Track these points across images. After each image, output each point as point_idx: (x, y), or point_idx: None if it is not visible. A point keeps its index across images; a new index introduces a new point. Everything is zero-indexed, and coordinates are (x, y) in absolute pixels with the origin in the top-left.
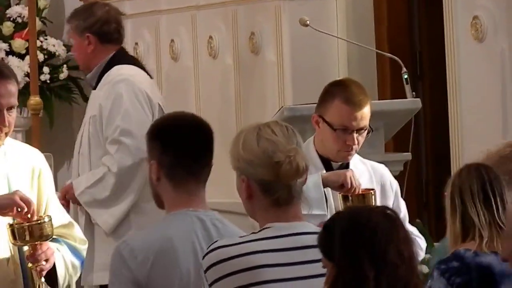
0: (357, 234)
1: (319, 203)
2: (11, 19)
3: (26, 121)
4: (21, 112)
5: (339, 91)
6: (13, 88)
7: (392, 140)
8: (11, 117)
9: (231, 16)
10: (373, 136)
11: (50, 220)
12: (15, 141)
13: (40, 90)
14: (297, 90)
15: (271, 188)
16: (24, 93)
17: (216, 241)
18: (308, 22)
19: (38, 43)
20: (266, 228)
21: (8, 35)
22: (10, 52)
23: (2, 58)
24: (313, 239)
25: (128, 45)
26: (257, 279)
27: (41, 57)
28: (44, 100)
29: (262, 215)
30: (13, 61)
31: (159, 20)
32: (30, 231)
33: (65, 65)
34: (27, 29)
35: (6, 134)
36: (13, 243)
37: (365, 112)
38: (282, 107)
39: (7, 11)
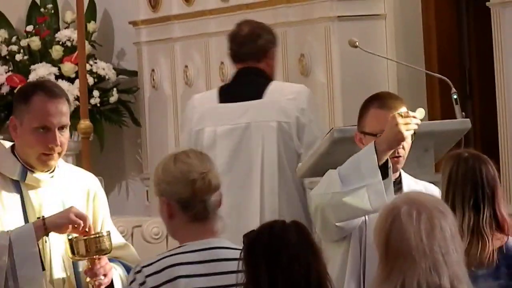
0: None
1: (372, 171)
2: (60, 43)
3: (76, 145)
4: (71, 136)
5: (372, 100)
6: (63, 107)
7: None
8: (64, 137)
9: (281, 37)
10: (423, 156)
11: (109, 235)
12: (69, 164)
13: (90, 113)
14: (347, 111)
15: (189, 205)
16: (74, 117)
17: (138, 265)
18: (357, 43)
19: (88, 67)
20: (184, 245)
21: (58, 59)
22: (60, 76)
23: None
24: (226, 253)
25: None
26: None
27: (90, 80)
28: (94, 124)
29: (182, 232)
30: (62, 85)
31: (208, 42)
32: (88, 245)
33: (115, 89)
34: (76, 52)
35: (60, 155)
36: (71, 258)
37: None
38: (332, 128)
39: (56, 35)
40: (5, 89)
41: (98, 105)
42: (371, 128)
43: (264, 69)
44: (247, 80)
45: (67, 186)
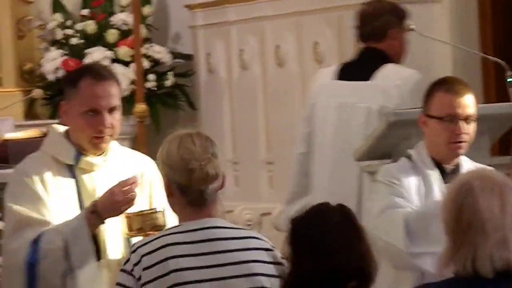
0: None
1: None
2: (116, 26)
3: (132, 129)
4: (127, 120)
5: (439, 84)
6: (112, 89)
7: (498, 144)
8: (115, 119)
9: (337, 21)
10: (478, 140)
11: (163, 211)
12: (123, 147)
13: (145, 97)
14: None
15: (186, 191)
16: (129, 101)
17: (134, 244)
18: (412, 26)
19: (143, 51)
20: (180, 225)
21: (113, 43)
22: (115, 60)
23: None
24: (222, 232)
25: (234, 51)
26: (169, 269)
27: (146, 64)
28: (150, 108)
29: (180, 211)
30: (118, 68)
31: (263, 26)
32: (144, 221)
33: (170, 72)
34: (131, 36)
35: (111, 137)
36: (127, 234)
37: (469, 100)
38: (387, 112)
39: (111, 19)
40: (61, 73)
41: (154, 89)
42: (436, 112)
43: (386, 50)
44: (363, 60)
45: (121, 169)
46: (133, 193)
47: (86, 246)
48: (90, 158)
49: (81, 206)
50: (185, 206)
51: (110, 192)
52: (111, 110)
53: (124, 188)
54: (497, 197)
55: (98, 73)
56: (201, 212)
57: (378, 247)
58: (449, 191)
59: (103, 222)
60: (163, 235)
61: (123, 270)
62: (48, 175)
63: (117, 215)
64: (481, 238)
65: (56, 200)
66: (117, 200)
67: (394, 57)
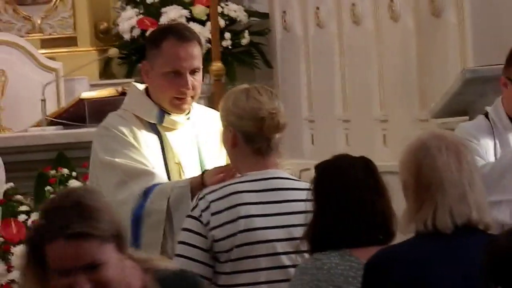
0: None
1: None
2: None
3: (209, 88)
4: (203, 79)
5: None
6: (195, 50)
7: None
8: (196, 80)
9: None
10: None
11: None
12: (203, 106)
13: (221, 56)
14: (478, 51)
15: (253, 139)
16: (206, 60)
17: (201, 192)
18: None
19: (219, 9)
20: (245, 175)
21: (189, 1)
22: (191, 19)
23: None
24: (285, 183)
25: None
26: (238, 215)
27: (222, 23)
28: (226, 66)
29: (243, 161)
30: (194, 27)
31: None
32: None
33: (246, 31)
34: None
35: (193, 98)
36: None
37: None
38: (463, 69)
39: None
40: (136, 32)
41: (230, 47)
42: None
43: None
44: None
45: (203, 127)
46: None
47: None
48: (174, 117)
49: (165, 163)
50: (249, 156)
51: (218, 169)
52: (193, 71)
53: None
54: (453, 155)
55: (182, 34)
56: (265, 162)
57: None
58: (407, 152)
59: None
60: (230, 184)
61: (190, 216)
62: (136, 131)
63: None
64: (441, 195)
65: (147, 153)
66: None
67: None
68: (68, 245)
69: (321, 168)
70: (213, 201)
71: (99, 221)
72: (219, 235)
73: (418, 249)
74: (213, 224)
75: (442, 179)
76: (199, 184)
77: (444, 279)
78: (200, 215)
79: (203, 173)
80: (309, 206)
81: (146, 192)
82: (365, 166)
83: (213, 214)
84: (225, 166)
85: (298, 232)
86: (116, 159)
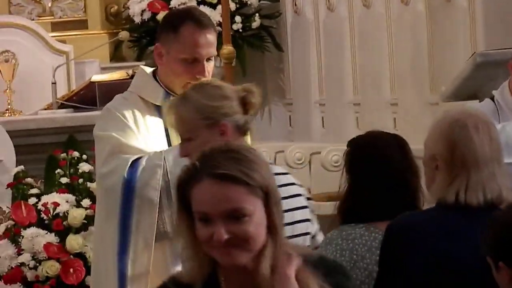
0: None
1: None
2: None
3: (219, 70)
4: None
5: None
6: (211, 37)
7: None
8: (210, 66)
9: None
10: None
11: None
12: None
13: (232, 39)
14: (489, 35)
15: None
16: (216, 43)
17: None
18: None
19: None
20: None
21: None
22: (202, 2)
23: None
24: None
25: None
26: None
27: (232, 6)
28: (237, 49)
29: None
30: (204, 10)
31: None
32: None
33: (257, 14)
34: None
35: None
36: None
37: None
38: (474, 53)
39: None
40: (147, 15)
41: (240, 30)
42: None
43: None
44: None
45: None
46: None
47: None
48: None
49: (169, 145)
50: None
51: None
52: (209, 58)
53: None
54: (486, 134)
55: (200, 20)
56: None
57: None
58: (439, 127)
59: None
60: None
61: None
62: (137, 114)
63: None
64: (474, 172)
65: (147, 137)
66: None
67: None
68: (215, 185)
69: (356, 145)
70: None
71: (251, 169)
72: None
73: (440, 220)
74: None
75: (477, 155)
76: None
77: (465, 252)
78: None
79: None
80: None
81: (137, 158)
82: (400, 145)
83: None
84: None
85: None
86: (111, 133)
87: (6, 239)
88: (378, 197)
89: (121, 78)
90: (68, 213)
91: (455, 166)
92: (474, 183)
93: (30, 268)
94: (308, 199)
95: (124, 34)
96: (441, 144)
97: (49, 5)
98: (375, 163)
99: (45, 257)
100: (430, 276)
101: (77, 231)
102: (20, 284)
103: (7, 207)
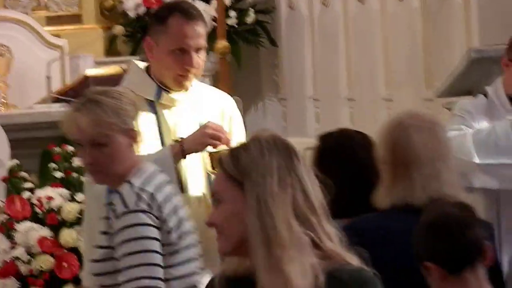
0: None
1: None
2: None
3: (213, 66)
4: (208, 57)
5: None
6: (201, 29)
7: None
8: (200, 58)
9: None
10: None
11: None
12: (204, 84)
13: (227, 34)
14: (483, 31)
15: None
16: (211, 38)
17: None
18: None
19: None
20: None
21: None
22: None
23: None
24: None
25: None
26: None
27: (227, 1)
28: (231, 44)
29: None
30: (199, 5)
31: None
32: None
33: (251, 9)
34: None
35: (195, 75)
36: (211, 172)
37: None
38: (469, 49)
39: None
40: (141, 10)
41: (235, 25)
42: None
43: None
44: None
45: (202, 105)
46: (224, 134)
47: (171, 175)
48: (173, 94)
49: (162, 141)
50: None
51: (203, 126)
52: (198, 49)
53: (217, 126)
54: (427, 133)
55: (188, 12)
56: None
57: None
58: (384, 130)
59: (184, 157)
60: None
61: None
62: None
63: (200, 150)
64: (414, 172)
65: None
66: (206, 133)
67: None
68: None
69: (324, 141)
70: None
71: None
72: None
73: (391, 220)
74: None
75: (417, 156)
76: (179, 152)
77: (400, 256)
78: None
79: (181, 140)
80: None
81: None
82: (366, 144)
83: None
84: (217, 128)
85: None
86: None
87: (0, 233)
88: (341, 195)
89: (116, 73)
90: (62, 208)
91: (396, 167)
92: (416, 182)
93: (24, 263)
94: None
95: (118, 29)
96: (383, 146)
97: None
98: (340, 160)
99: (39, 252)
100: None
101: (71, 225)
102: (14, 279)
103: (1, 201)
